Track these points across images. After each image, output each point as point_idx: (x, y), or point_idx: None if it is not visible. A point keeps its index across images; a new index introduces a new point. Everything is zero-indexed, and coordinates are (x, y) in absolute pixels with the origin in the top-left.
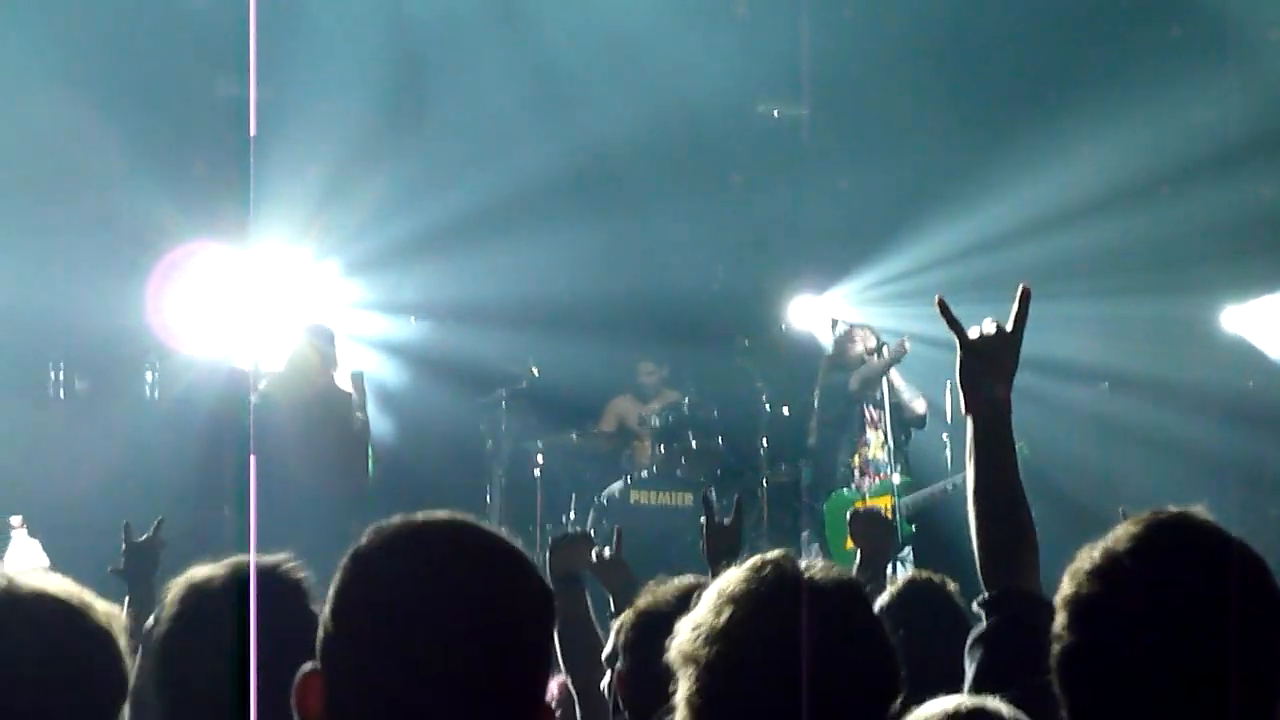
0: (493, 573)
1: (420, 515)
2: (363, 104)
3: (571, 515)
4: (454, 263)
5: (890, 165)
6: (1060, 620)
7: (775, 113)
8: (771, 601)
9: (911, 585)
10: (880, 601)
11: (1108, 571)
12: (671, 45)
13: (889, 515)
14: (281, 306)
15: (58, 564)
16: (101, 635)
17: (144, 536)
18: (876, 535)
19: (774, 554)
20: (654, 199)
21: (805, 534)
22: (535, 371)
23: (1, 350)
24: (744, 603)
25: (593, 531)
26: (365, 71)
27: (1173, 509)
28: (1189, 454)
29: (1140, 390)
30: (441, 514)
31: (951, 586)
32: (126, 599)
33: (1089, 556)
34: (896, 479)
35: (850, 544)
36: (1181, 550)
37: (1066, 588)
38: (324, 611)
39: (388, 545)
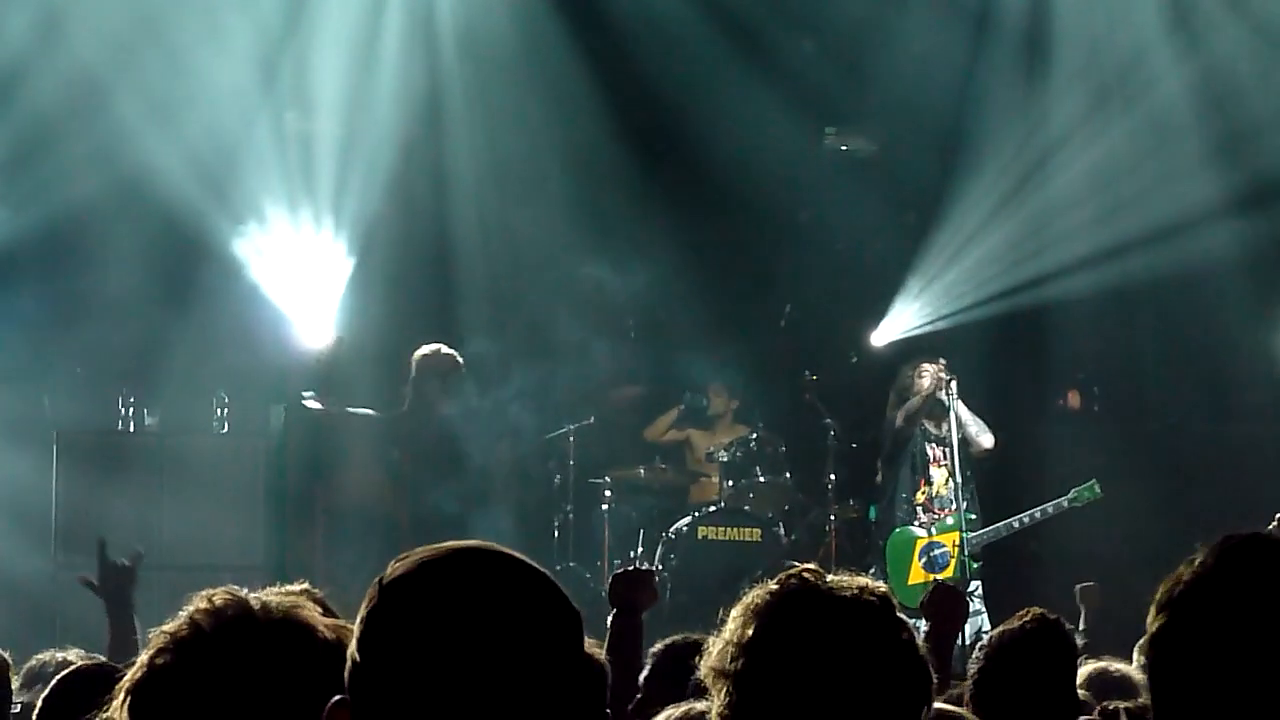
0: (520, 597)
1: (445, 544)
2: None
3: (639, 550)
4: (521, 297)
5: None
6: (1146, 647)
7: (843, 147)
8: (795, 613)
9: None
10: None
11: (1188, 593)
12: (738, 80)
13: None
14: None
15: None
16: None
17: (121, 561)
18: (950, 613)
19: (800, 567)
20: (716, 237)
21: (873, 570)
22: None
23: (73, 386)
24: (768, 615)
25: (660, 566)
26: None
27: (1244, 532)
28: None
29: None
30: (466, 542)
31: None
32: (107, 619)
33: (1171, 582)
34: (971, 517)
35: (912, 579)
36: (1259, 566)
37: (1151, 619)
38: (351, 644)
39: (413, 573)
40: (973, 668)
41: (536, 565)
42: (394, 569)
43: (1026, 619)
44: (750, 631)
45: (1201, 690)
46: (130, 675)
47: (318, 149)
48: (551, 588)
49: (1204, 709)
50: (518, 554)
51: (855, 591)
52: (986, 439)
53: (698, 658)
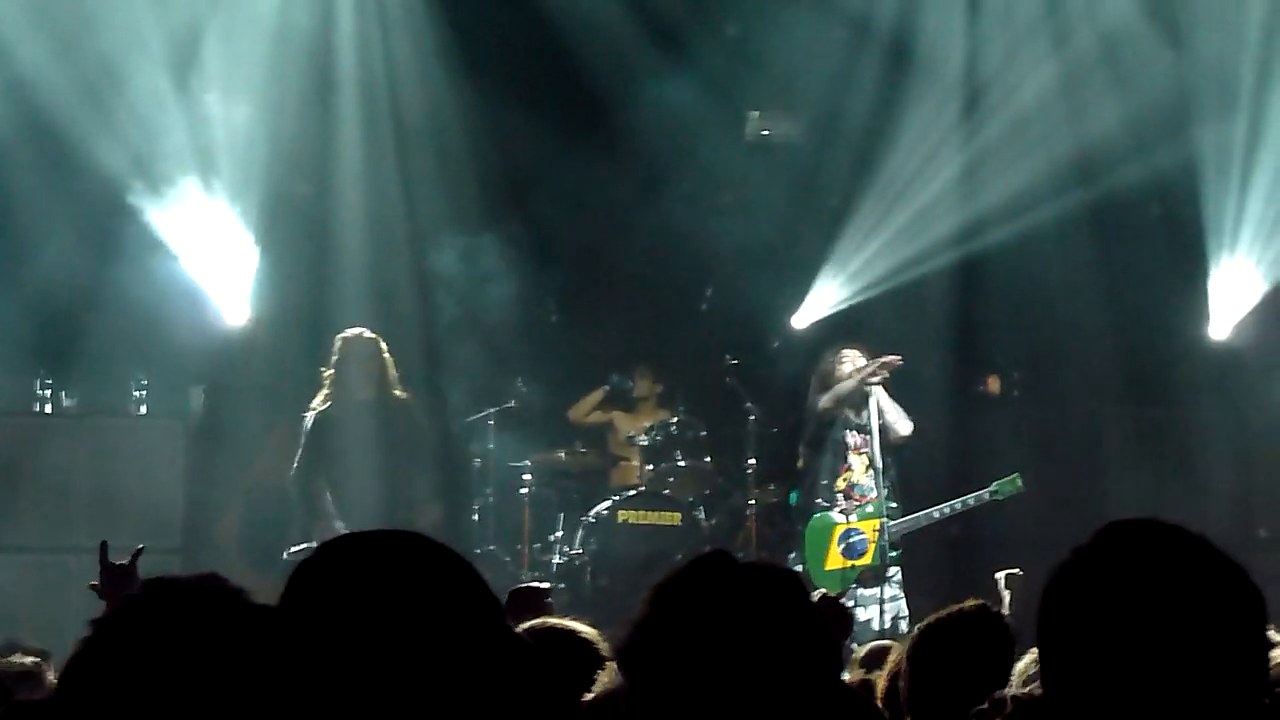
0: (436, 580)
1: (364, 530)
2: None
3: (559, 534)
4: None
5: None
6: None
7: (765, 131)
8: (698, 590)
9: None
10: None
11: (1062, 579)
12: (660, 64)
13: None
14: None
15: (48, 581)
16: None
17: (121, 562)
18: (835, 625)
19: (708, 549)
20: (643, 218)
21: (792, 555)
22: (523, 389)
23: None
24: (672, 593)
25: (581, 550)
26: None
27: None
28: (1174, 471)
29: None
30: (386, 529)
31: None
32: None
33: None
34: (892, 505)
35: (830, 565)
36: (1137, 545)
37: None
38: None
39: (330, 557)
40: (907, 645)
41: (453, 549)
42: (314, 554)
43: (966, 605)
44: (655, 609)
45: (1079, 673)
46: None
47: (231, 131)
48: (467, 569)
49: (1084, 691)
50: (439, 540)
51: (764, 569)
52: (905, 426)
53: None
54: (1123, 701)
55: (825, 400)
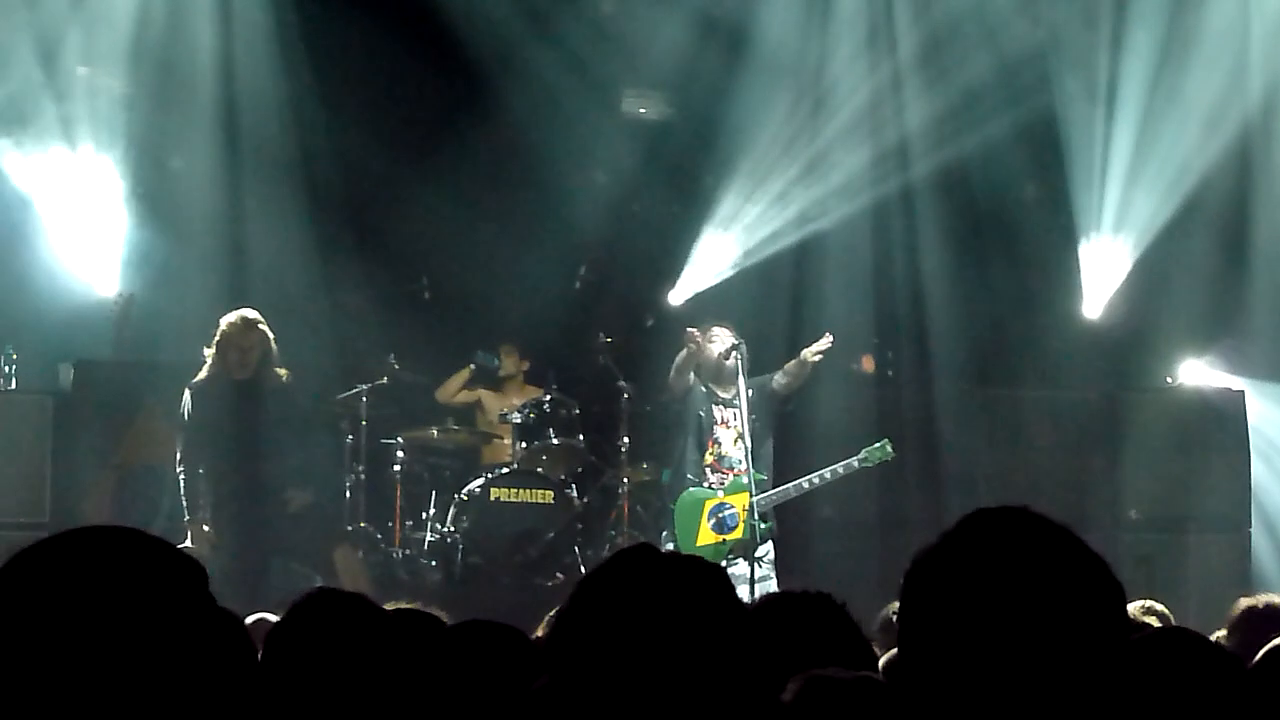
0: (131, 578)
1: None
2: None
3: (432, 511)
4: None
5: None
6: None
7: (641, 110)
8: (620, 582)
9: None
10: None
11: (921, 565)
12: (535, 41)
13: (743, 514)
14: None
15: None
16: None
17: None
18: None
19: (635, 544)
20: (512, 198)
21: (665, 533)
22: (395, 365)
23: None
24: (593, 583)
25: (453, 528)
26: None
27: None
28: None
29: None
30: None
31: None
32: None
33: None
34: (761, 477)
35: (701, 541)
36: (1001, 533)
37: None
38: None
39: (22, 561)
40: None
41: (157, 540)
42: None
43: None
44: (577, 601)
45: (935, 658)
46: None
47: (101, 106)
48: (162, 559)
49: (939, 679)
50: (143, 531)
51: (687, 562)
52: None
53: None
54: (976, 691)
55: (674, 375)
